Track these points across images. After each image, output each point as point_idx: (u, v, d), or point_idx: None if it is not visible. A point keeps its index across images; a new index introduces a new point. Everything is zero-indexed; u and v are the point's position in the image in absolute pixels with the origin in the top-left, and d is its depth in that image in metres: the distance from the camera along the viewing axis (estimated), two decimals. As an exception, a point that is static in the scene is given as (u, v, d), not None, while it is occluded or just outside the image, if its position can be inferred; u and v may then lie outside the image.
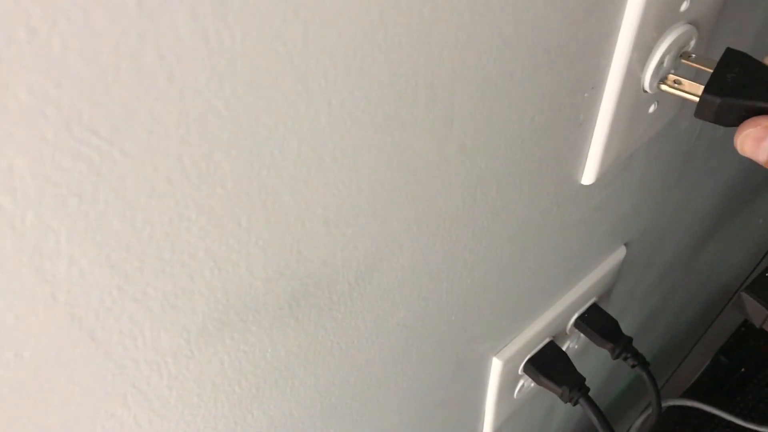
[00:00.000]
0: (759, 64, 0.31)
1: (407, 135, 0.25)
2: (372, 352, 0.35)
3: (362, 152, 0.24)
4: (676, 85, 0.34)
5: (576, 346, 0.58)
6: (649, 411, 0.76)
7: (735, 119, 0.31)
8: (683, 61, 0.34)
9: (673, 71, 0.35)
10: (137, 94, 0.17)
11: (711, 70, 0.31)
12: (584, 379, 0.51)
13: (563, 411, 0.74)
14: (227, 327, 0.25)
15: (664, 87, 0.34)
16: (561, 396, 0.51)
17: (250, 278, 0.24)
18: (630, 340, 0.53)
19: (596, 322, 0.54)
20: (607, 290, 0.56)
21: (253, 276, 0.24)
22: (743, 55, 0.31)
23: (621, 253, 0.53)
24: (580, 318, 0.54)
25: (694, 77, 0.33)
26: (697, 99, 0.32)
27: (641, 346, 0.54)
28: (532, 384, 0.55)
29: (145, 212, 0.19)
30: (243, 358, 0.27)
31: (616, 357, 0.53)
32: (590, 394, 0.51)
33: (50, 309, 0.19)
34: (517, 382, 0.53)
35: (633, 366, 0.53)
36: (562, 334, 0.55)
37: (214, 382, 0.27)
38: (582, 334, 0.56)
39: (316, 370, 0.32)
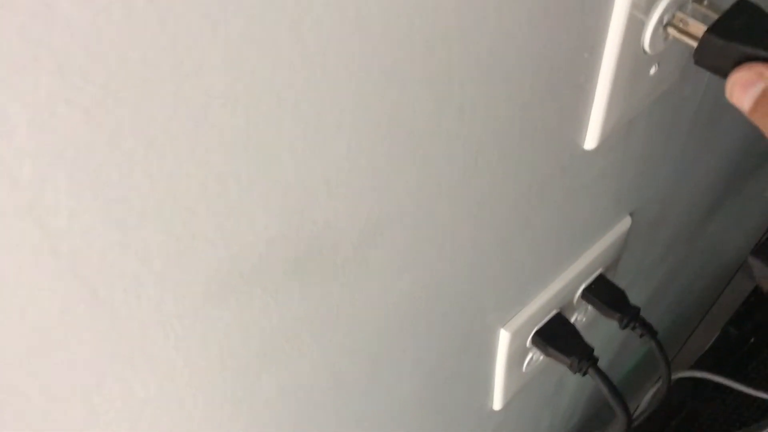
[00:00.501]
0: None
1: (406, 93, 0.25)
2: (379, 321, 0.35)
3: (360, 110, 0.24)
4: (681, 24, 0.33)
5: (584, 319, 0.58)
6: (660, 383, 0.76)
7: (732, 67, 0.30)
8: (694, 4, 0.33)
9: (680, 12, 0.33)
10: (130, 39, 0.17)
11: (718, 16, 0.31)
12: (593, 349, 0.51)
13: (573, 385, 0.74)
14: (231, 289, 0.25)
15: (670, 30, 0.34)
16: (570, 367, 0.51)
17: (252, 239, 0.24)
18: (638, 309, 0.53)
19: (603, 292, 0.54)
20: (614, 261, 0.56)
21: (256, 236, 0.24)
22: (755, 7, 0.31)
23: (626, 223, 0.53)
24: (587, 289, 0.54)
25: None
26: (696, 44, 0.31)
27: (650, 319, 0.53)
28: (541, 357, 0.55)
29: (143, 165, 0.19)
30: (249, 321, 0.27)
31: (624, 327, 0.53)
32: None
33: (52, 264, 0.19)
34: (525, 355, 0.53)
35: (641, 335, 0.53)
36: (570, 306, 0.54)
37: (221, 345, 0.27)
38: (589, 306, 0.56)
39: (323, 337, 0.32)
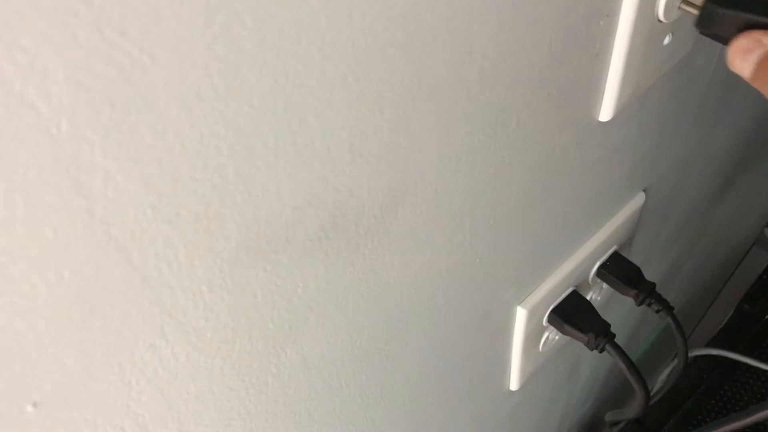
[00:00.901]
0: None
1: (427, 56, 0.25)
2: (399, 295, 0.35)
3: (383, 72, 0.24)
4: None
5: (599, 298, 0.58)
6: (675, 362, 0.76)
7: (732, 35, 0.31)
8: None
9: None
10: (164, -5, 0.17)
11: None
12: (609, 325, 0.51)
13: (588, 368, 0.74)
14: (259, 257, 0.25)
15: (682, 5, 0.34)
16: (587, 344, 0.51)
17: (279, 205, 0.24)
18: (653, 285, 0.53)
19: (619, 269, 0.54)
20: (628, 238, 0.56)
21: (283, 203, 0.24)
22: None
23: (640, 198, 0.53)
24: (602, 266, 0.54)
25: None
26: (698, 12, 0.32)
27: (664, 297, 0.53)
28: (557, 336, 0.55)
29: (176, 126, 0.19)
30: (275, 291, 0.27)
31: (640, 303, 0.53)
32: (616, 342, 0.51)
33: (87, 226, 0.19)
34: (542, 334, 0.53)
35: (657, 311, 0.53)
36: (585, 284, 0.55)
37: (248, 315, 0.27)
38: (605, 284, 0.56)
39: (346, 309, 0.32)
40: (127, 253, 0.21)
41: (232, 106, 0.20)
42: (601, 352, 0.51)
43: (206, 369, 0.27)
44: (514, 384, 0.57)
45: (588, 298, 0.55)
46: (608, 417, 0.64)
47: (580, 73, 0.35)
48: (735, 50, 0.30)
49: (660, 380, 0.78)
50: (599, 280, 0.55)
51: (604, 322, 0.51)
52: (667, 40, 0.38)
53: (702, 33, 0.33)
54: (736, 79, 0.32)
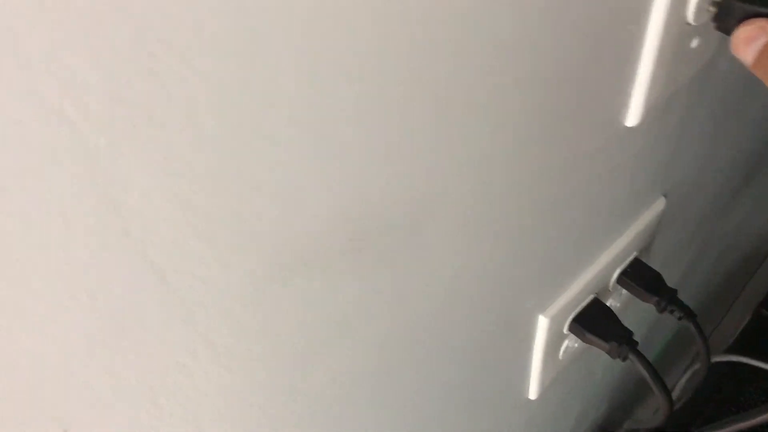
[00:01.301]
0: None
1: (462, 59, 0.24)
2: (425, 307, 0.34)
3: (419, 75, 0.23)
4: None
5: (618, 304, 0.58)
6: (694, 367, 0.75)
7: (737, 24, 0.31)
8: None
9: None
10: (206, 3, 0.16)
11: None
12: (632, 333, 0.50)
13: (603, 371, 0.73)
14: (292, 272, 0.24)
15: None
16: (609, 352, 0.50)
17: (313, 218, 0.23)
18: (675, 292, 0.52)
19: (640, 276, 0.53)
20: (648, 244, 0.55)
21: (317, 215, 0.23)
22: None
23: (661, 203, 0.52)
24: (623, 273, 0.53)
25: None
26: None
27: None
28: (576, 344, 0.55)
29: (215, 139, 0.18)
30: (305, 307, 0.26)
31: (662, 310, 0.52)
32: (637, 348, 0.50)
33: (123, 246, 0.18)
34: (562, 342, 0.53)
35: (680, 318, 0.52)
36: (605, 290, 0.54)
37: (279, 332, 0.26)
38: (623, 290, 0.55)
39: (374, 323, 0.31)
40: (162, 273, 0.20)
41: (272, 118, 0.19)
42: (624, 360, 0.50)
43: (236, 388, 0.26)
44: (533, 393, 0.56)
45: (607, 304, 0.55)
46: (627, 426, 0.63)
47: (609, 78, 0.34)
48: (738, 37, 0.31)
49: (680, 384, 0.77)
50: (619, 287, 0.54)
51: (627, 329, 0.50)
52: (694, 44, 0.38)
53: (717, 28, 0.33)
54: (756, 82, 0.31)
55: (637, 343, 0.50)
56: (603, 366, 0.71)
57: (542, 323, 0.48)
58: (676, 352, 0.79)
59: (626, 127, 0.39)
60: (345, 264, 0.27)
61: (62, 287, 0.18)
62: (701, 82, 0.44)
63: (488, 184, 0.31)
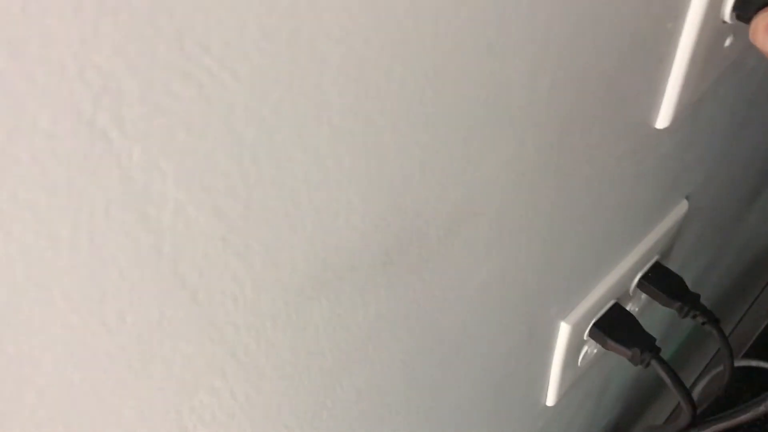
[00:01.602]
0: None
1: (501, 62, 0.23)
2: (454, 317, 0.33)
3: (457, 80, 0.22)
4: None
5: (636, 308, 0.56)
6: (713, 372, 0.74)
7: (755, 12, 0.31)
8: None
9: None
10: (248, 5, 0.15)
11: None
12: (655, 339, 0.49)
13: (618, 376, 0.72)
14: (324, 286, 0.23)
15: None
16: (631, 358, 0.49)
17: (348, 231, 0.22)
18: (697, 296, 0.51)
19: (661, 280, 0.52)
20: (670, 247, 0.54)
21: (351, 228, 0.22)
22: None
23: (683, 207, 0.51)
24: (644, 277, 0.52)
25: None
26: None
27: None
28: (595, 351, 0.53)
29: (253, 150, 0.17)
30: (336, 322, 0.25)
31: (685, 315, 0.51)
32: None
33: (154, 264, 0.17)
34: (581, 348, 0.51)
35: (703, 323, 0.51)
36: (626, 296, 0.52)
37: (309, 349, 0.24)
38: (644, 295, 0.54)
39: (403, 336, 0.30)
40: (193, 292, 0.18)
41: (311, 127, 0.18)
42: (646, 367, 0.48)
43: (264, 408, 0.25)
44: (550, 399, 0.55)
45: (627, 308, 0.53)
46: (639, 429, 0.62)
47: (643, 79, 0.33)
48: (757, 24, 0.31)
49: (698, 390, 0.76)
50: (640, 291, 0.53)
51: (649, 336, 0.49)
52: (728, 42, 0.36)
53: (738, 18, 0.33)
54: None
55: (659, 349, 0.48)
56: (618, 371, 0.70)
57: (563, 330, 0.46)
58: (690, 353, 0.78)
59: (656, 129, 0.38)
60: (377, 277, 0.25)
61: (90, 307, 0.16)
62: (729, 83, 0.43)
63: (519, 191, 0.30)
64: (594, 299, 0.47)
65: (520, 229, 0.32)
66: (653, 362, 0.48)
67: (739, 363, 0.80)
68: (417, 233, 0.26)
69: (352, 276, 0.24)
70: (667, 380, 0.48)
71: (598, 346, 0.53)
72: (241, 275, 0.19)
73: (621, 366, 0.68)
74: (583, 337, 0.50)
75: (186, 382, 0.20)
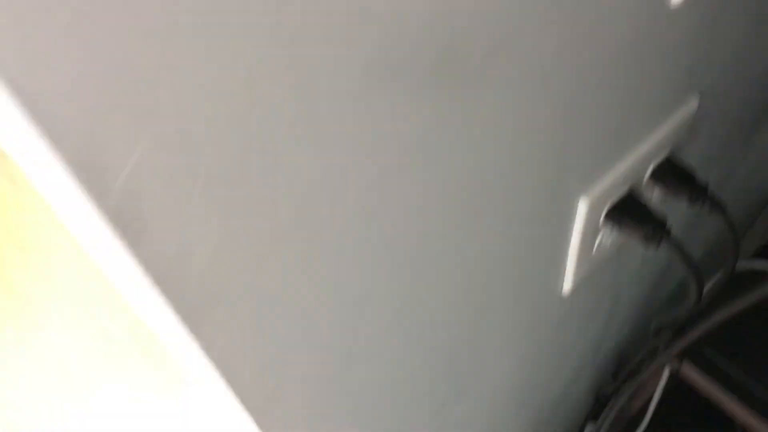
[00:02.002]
0: None
1: None
2: (488, 156, 0.37)
3: None
4: None
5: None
6: (717, 275, 0.77)
7: None
8: None
9: None
10: None
11: None
12: (666, 220, 0.53)
13: (627, 292, 0.76)
14: (382, 81, 0.27)
15: None
16: (644, 238, 0.53)
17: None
18: (707, 185, 0.55)
19: (672, 173, 0.56)
20: (681, 143, 0.57)
21: (405, 30, 0.26)
22: None
23: (695, 101, 0.55)
24: (657, 169, 0.56)
25: None
26: None
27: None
28: (610, 239, 0.57)
29: None
30: (388, 126, 0.29)
31: (694, 202, 0.55)
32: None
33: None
34: (597, 234, 0.55)
35: (710, 211, 0.55)
36: (639, 188, 0.56)
37: (359, 146, 0.29)
38: (657, 188, 0.58)
39: (442, 158, 0.34)
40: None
41: None
42: (658, 246, 0.53)
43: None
44: (566, 286, 0.59)
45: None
46: (659, 320, 0.66)
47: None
48: None
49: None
50: (652, 183, 0.57)
51: (661, 218, 0.53)
52: None
53: None
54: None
55: (671, 228, 0.52)
56: (631, 273, 0.74)
57: (582, 206, 0.50)
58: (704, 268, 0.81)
59: (670, 8, 0.41)
60: (426, 86, 0.29)
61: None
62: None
63: (552, 30, 0.34)
64: (610, 181, 0.51)
65: (549, 72, 0.36)
66: (665, 241, 0.52)
67: (748, 265, 0.83)
68: (463, 48, 0.30)
69: (405, 80, 0.28)
70: (677, 256, 0.52)
71: (613, 236, 0.57)
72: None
73: (636, 267, 0.72)
74: (599, 220, 0.54)
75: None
